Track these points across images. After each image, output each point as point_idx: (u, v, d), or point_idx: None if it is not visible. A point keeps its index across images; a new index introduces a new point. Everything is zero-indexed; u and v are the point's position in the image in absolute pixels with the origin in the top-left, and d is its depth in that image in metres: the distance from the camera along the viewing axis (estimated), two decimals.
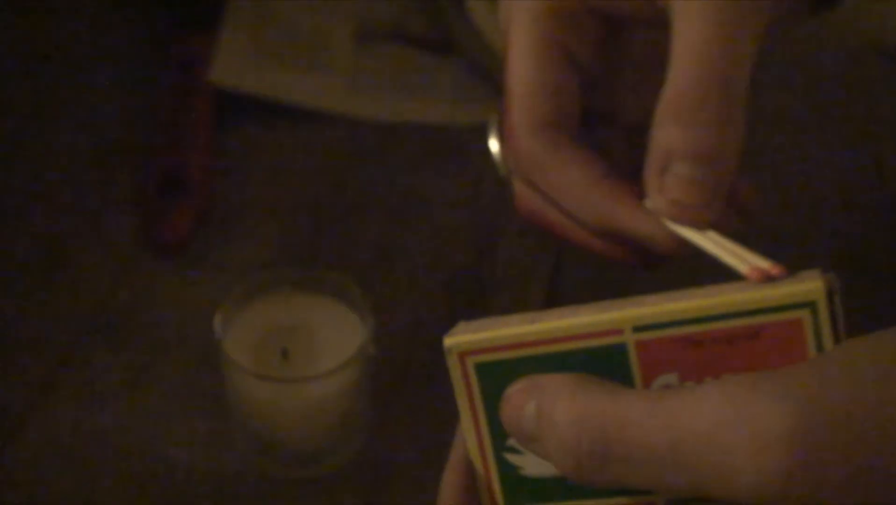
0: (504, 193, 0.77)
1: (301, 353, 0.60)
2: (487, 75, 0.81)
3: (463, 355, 0.35)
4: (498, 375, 0.35)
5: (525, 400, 0.33)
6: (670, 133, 0.38)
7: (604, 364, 0.33)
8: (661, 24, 0.40)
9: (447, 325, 0.69)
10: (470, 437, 0.36)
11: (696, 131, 0.38)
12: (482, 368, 0.35)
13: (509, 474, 0.36)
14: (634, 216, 0.41)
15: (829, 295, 0.32)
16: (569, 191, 0.42)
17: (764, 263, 0.34)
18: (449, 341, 0.35)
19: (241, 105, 0.79)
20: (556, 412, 0.32)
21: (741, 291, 0.33)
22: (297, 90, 0.80)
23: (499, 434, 0.36)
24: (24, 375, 0.65)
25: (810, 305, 0.32)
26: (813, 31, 0.78)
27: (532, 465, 0.36)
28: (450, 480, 0.37)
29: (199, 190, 0.74)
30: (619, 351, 0.33)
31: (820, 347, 0.32)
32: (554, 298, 0.71)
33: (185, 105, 0.78)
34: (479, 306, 0.70)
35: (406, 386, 0.65)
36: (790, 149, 0.79)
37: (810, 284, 0.32)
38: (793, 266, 0.34)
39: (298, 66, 0.81)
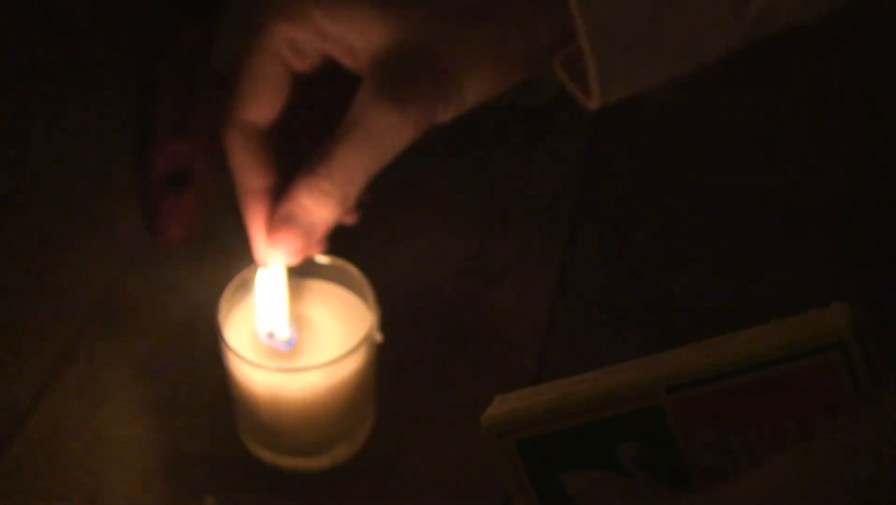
0: (511, 175, 0.76)
1: (305, 342, 0.59)
2: None
3: (503, 435, 0.35)
4: (539, 449, 0.35)
5: None
6: (298, 200, 0.53)
7: (643, 427, 0.33)
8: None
9: (455, 311, 0.68)
10: None
11: (310, 207, 0.53)
12: (523, 445, 0.35)
13: None
14: (253, 229, 0.55)
15: (858, 332, 0.31)
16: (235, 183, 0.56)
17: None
18: (487, 422, 0.35)
19: None
20: None
21: (769, 337, 0.32)
22: None
23: None
24: (28, 367, 0.64)
25: (839, 346, 0.31)
26: None
27: None
28: None
29: (204, 180, 0.73)
30: (657, 413, 0.33)
31: (857, 385, 0.31)
32: (564, 283, 0.69)
33: (188, 94, 0.77)
34: (487, 290, 0.69)
35: (414, 374, 0.64)
36: None
37: (837, 324, 0.31)
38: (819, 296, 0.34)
39: None
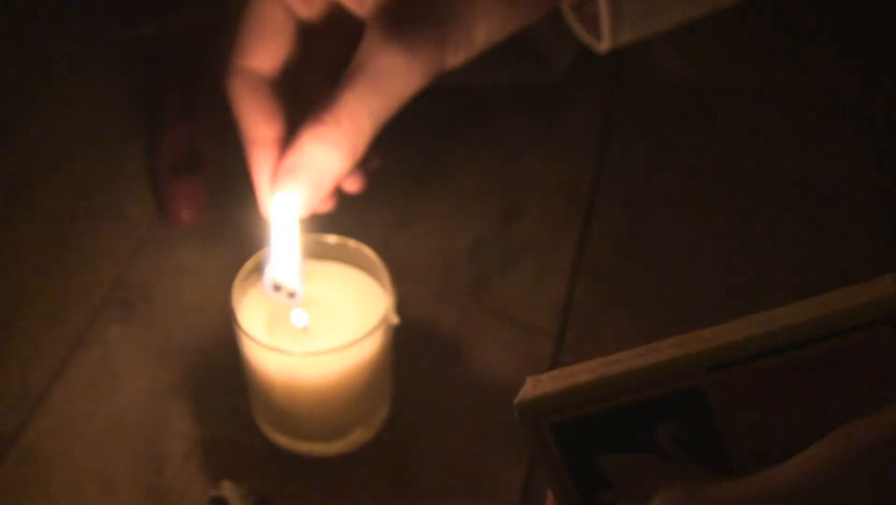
0: (525, 157, 0.75)
1: (321, 325, 0.58)
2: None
3: (537, 417, 0.33)
4: (574, 431, 0.33)
5: None
6: (303, 150, 0.51)
7: (682, 408, 0.32)
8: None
9: (471, 294, 0.67)
10: (559, 496, 0.34)
11: (317, 157, 0.51)
12: (557, 428, 0.34)
13: None
14: (258, 180, 0.54)
15: None
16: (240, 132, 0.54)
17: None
18: (519, 404, 0.34)
19: None
20: None
21: (811, 313, 0.31)
22: None
23: (587, 492, 0.34)
24: (40, 354, 0.64)
25: (889, 320, 0.30)
26: None
27: None
28: None
29: (213, 163, 0.72)
30: (696, 393, 0.32)
31: None
32: (581, 266, 0.69)
33: (196, 78, 0.76)
34: (503, 273, 0.68)
35: (430, 357, 0.64)
36: None
37: (886, 297, 0.30)
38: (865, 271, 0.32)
39: None
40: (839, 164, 0.75)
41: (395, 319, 0.57)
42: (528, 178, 0.74)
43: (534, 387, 0.34)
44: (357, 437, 0.59)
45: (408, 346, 0.62)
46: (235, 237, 0.69)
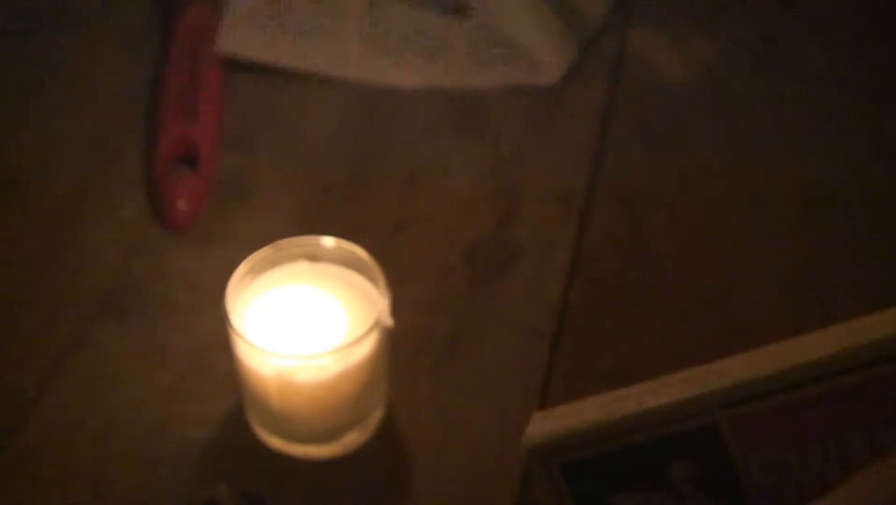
0: (522, 159, 0.75)
1: (316, 327, 0.58)
2: (505, 36, 0.78)
3: (546, 458, 0.32)
4: (586, 472, 0.32)
5: None
6: None
7: (696, 446, 0.31)
8: None
9: (468, 294, 0.67)
10: None
11: None
12: (568, 469, 0.32)
13: None
14: None
15: None
16: None
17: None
18: (528, 443, 0.32)
19: (251, 75, 0.77)
20: None
21: (834, 345, 0.29)
22: (308, 57, 0.78)
23: None
24: (34, 355, 0.63)
25: None
26: None
27: None
28: None
29: (209, 164, 0.72)
30: (711, 430, 0.31)
31: None
32: (578, 267, 0.68)
33: (193, 77, 0.76)
34: (500, 275, 0.68)
35: (425, 359, 0.63)
36: None
37: None
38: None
39: (309, 32, 0.78)
40: (837, 169, 0.75)
41: (389, 322, 0.57)
42: (525, 180, 0.74)
43: (542, 424, 0.33)
44: (351, 440, 0.59)
45: (403, 348, 0.62)
46: (230, 239, 0.69)
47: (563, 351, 0.64)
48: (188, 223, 0.69)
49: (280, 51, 0.78)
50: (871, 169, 0.74)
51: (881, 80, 0.80)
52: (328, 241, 0.59)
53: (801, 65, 0.81)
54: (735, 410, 0.30)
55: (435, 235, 0.70)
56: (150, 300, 0.66)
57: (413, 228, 0.70)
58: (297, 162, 0.74)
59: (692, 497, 0.31)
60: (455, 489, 0.58)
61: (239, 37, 0.77)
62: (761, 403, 0.30)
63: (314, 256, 0.59)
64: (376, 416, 0.60)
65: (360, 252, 0.58)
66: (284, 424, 0.58)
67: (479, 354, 0.64)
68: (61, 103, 0.77)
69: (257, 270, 0.58)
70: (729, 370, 0.31)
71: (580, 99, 0.78)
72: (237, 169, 0.73)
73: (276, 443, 0.59)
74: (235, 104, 0.76)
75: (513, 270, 0.68)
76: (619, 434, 0.31)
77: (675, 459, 0.31)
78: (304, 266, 0.59)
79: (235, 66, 0.77)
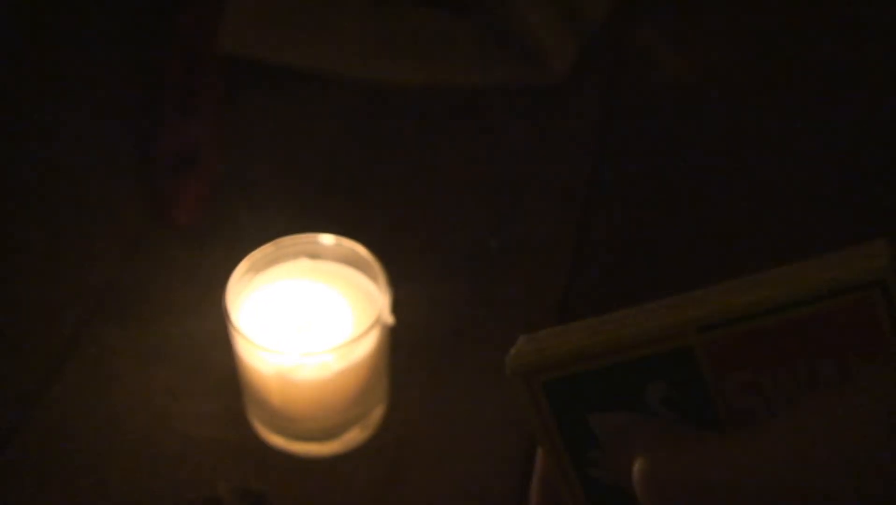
0: (522, 158, 0.75)
1: (316, 324, 0.58)
2: (507, 35, 0.78)
3: (529, 376, 0.34)
4: (566, 390, 0.34)
5: None
6: None
7: (672, 368, 0.32)
8: None
9: (467, 294, 0.67)
10: (549, 453, 0.35)
11: None
12: (550, 386, 0.34)
13: (593, 485, 0.35)
14: None
15: None
16: None
17: None
18: (513, 362, 0.34)
19: (252, 73, 0.77)
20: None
21: (803, 275, 0.31)
22: (309, 55, 0.78)
23: (577, 449, 0.34)
24: (36, 353, 0.63)
25: (879, 284, 0.30)
26: None
27: None
28: (536, 491, 0.36)
29: (210, 164, 0.72)
30: (687, 353, 0.32)
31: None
32: (577, 265, 0.68)
33: (194, 78, 0.76)
34: (500, 275, 0.68)
35: (426, 357, 0.63)
36: None
37: (876, 261, 0.30)
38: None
39: (310, 30, 0.78)
40: (838, 165, 0.75)
41: (390, 319, 0.57)
42: (526, 178, 0.74)
43: (528, 344, 0.34)
44: (352, 437, 0.59)
45: (404, 346, 0.62)
46: (231, 237, 0.69)
47: None
48: (188, 222, 0.69)
49: (282, 49, 0.78)
50: (877, 167, 0.74)
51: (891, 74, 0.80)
52: (328, 239, 0.59)
53: (802, 63, 0.81)
54: (710, 334, 0.32)
55: (435, 234, 0.70)
56: (150, 300, 0.66)
57: (414, 226, 0.70)
58: (297, 161, 0.74)
59: (665, 417, 0.33)
60: (455, 487, 0.58)
61: (241, 34, 0.77)
62: (735, 328, 0.31)
63: (315, 254, 0.59)
64: (377, 414, 0.60)
65: (361, 250, 0.58)
66: (285, 422, 0.58)
67: (480, 352, 0.64)
68: (61, 103, 0.77)
69: (258, 268, 0.58)
70: (706, 297, 0.32)
71: (580, 98, 0.78)
72: (237, 168, 0.73)
73: (276, 441, 0.59)
74: (236, 104, 0.76)
75: (514, 267, 0.68)
76: (600, 355, 0.33)
77: (651, 381, 0.33)
78: (304, 264, 0.59)
79: (236, 65, 0.77)
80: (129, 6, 0.82)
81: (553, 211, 0.72)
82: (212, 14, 0.78)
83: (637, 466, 0.31)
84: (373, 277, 0.58)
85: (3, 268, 0.68)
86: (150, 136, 0.73)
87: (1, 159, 0.74)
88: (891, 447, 0.27)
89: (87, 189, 0.72)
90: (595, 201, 0.72)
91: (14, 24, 0.81)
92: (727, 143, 0.77)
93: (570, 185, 0.73)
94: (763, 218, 0.72)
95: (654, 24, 0.84)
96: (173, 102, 0.75)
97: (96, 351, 0.63)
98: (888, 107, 0.78)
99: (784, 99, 0.79)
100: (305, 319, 0.58)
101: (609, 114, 0.78)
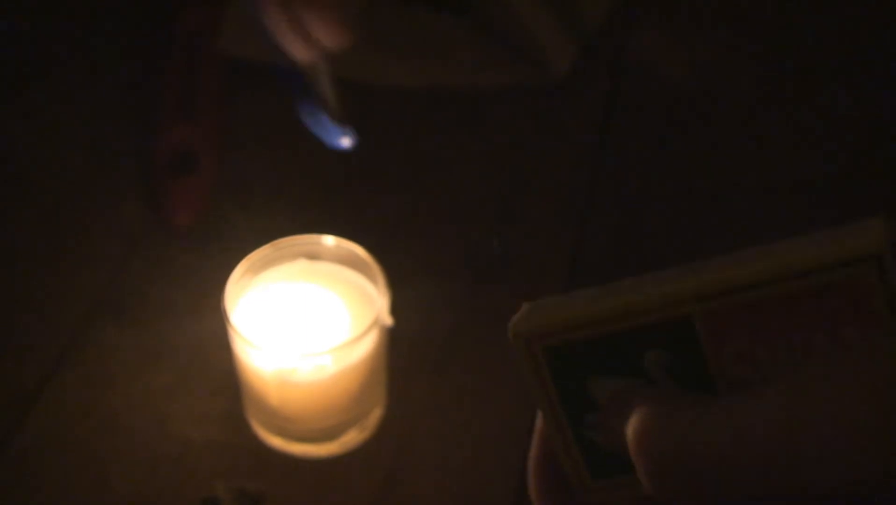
0: (522, 159, 0.75)
1: (315, 326, 0.58)
2: (507, 35, 0.78)
3: (530, 340, 0.35)
4: (567, 356, 0.34)
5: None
6: None
7: (671, 337, 0.33)
8: None
9: (468, 294, 0.67)
10: (547, 419, 0.36)
11: None
12: (551, 352, 0.35)
13: (592, 451, 0.36)
14: (279, 27, 0.56)
15: (894, 245, 0.31)
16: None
17: None
18: (515, 327, 0.35)
19: (250, 76, 0.77)
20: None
21: (802, 249, 0.32)
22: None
23: (575, 414, 0.35)
24: (33, 355, 0.63)
25: (874, 259, 0.30)
26: None
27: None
28: (534, 456, 0.37)
29: (209, 166, 0.72)
30: (686, 323, 0.33)
31: (890, 299, 0.31)
32: (575, 269, 0.68)
33: (193, 79, 0.76)
34: (500, 275, 0.68)
35: (425, 358, 0.63)
36: None
37: (872, 236, 0.31)
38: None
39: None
40: (838, 164, 0.75)
41: (389, 321, 0.57)
42: (526, 180, 0.74)
43: (530, 311, 0.35)
44: (351, 438, 0.59)
45: (403, 348, 0.62)
46: (230, 238, 0.69)
47: None
48: (188, 223, 0.69)
49: (281, 51, 0.78)
50: (877, 167, 0.74)
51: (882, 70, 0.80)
52: (327, 240, 0.59)
53: (802, 64, 0.81)
54: (709, 304, 0.32)
55: (435, 235, 0.70)
56: (150, 300, 0.66)
57: (413, 227, 0.70)
58: (296, 162, 0.74)
59: (662, 382, 0.33)
60: (454, 488, 0.58)
61: (240, 37, 0.77)
62: (733, 298, 0.32)
63: (313, 255, 0.59)
64: (375, 415, 0.60)
65: (360, 251, 0.58)
66: (284, 422, 0.58)
67: (479, 354, 0.64)
68: (61, 104, 0.77)
69: (256, 269, 0.58)
70: (706, 269, 0.33)
71: (580, 98, 0.78)
72: (237, 169, 0.73)
73: (275, 442, 0.59)
74: (235, 106, 0.76)
75: (513, 269, 0.68)
76: (601, 322, 0.34)
77: (650, 348, 0.33)
78: (303, 265, 0.59)
79: (235, 66, 0.77)
80: (130, 7, 0.82)
81: (553, 211, 0.72)
82: (212, 16, 0.78)
83: (631, 427, 0.32)
84: (371, 279, 0.58)
85: (4, 268, 0.68)
86: (149, 137, 0.74)
87: (1, 159, 0.74)
88: (885, 413, 0.28)
89: (87, 189, 0.72)
90: (595, 201, 0.72)
91: (14, 23, 0.81)
92: (727, 143, 0.77)
93: (571, 186, 0.73)
94: (763, 217, 0.72)
95: (654, 24, 0.83)
96: (173, 104, 0.75)
97: (96, 351, 0.64)
98: (889, 104, 0.78)
99: (783, 99, 0.79)
100: (304, 320, 0.58)
101: (609, 114, 0.78)
